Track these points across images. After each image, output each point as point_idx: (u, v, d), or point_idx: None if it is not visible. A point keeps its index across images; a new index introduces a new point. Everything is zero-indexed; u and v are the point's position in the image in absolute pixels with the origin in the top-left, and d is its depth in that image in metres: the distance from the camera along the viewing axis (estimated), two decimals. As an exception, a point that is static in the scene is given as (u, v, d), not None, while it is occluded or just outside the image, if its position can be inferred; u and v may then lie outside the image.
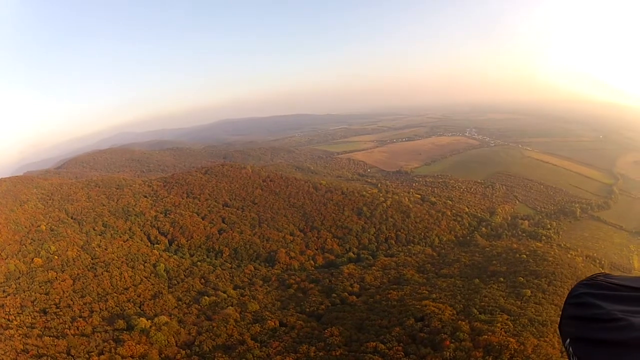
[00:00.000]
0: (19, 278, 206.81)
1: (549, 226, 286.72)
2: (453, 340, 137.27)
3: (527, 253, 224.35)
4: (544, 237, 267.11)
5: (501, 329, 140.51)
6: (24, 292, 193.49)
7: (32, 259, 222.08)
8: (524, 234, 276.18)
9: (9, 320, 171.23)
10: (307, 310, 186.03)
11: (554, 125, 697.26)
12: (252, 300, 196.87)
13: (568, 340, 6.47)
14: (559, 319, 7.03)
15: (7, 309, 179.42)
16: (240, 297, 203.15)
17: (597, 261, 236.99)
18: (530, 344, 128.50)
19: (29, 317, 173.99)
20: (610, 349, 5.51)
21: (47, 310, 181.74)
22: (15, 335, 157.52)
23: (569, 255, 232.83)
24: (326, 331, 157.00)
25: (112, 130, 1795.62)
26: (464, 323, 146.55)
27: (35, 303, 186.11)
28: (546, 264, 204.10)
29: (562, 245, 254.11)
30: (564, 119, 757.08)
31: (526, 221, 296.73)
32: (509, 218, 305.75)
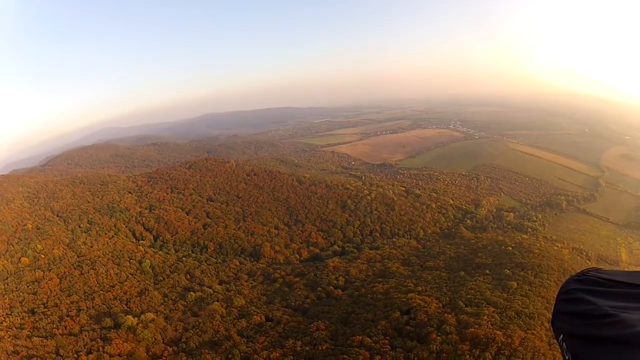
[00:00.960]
0: (7, 278, 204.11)
1: (535, 218, 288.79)
2: (439, 334, 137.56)
3: (513, 245, 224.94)
4: (529, 229, 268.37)
5: (488, 322, 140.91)
6: (12, 293, 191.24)
7: (20, 258, 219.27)
8: (509, 226, 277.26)
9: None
10: (293, 304, 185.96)
11: (539, 118, 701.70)
12: (237, 295, 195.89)
13: (561, 336, 6.38)
14: (549, 313, 6.79)
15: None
16: (226, 292, 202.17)
17: (584, 253, 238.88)
18: (518, 337, 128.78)
19: (18, 318, 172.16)
20: (604, 346, 5.50)
21: (35, 310, 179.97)
22: (5, 337, 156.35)
23: (555, 248, 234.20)
24: (312, 325, 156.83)
25: (96, 126, 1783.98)
26: (450, 316, 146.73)
27: (23, 303, 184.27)
28: (532, 256, 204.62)
29: (548, 237, 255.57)
30: (550, 112, 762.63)
31: (511, 213, 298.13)
32: (494, 210, 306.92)
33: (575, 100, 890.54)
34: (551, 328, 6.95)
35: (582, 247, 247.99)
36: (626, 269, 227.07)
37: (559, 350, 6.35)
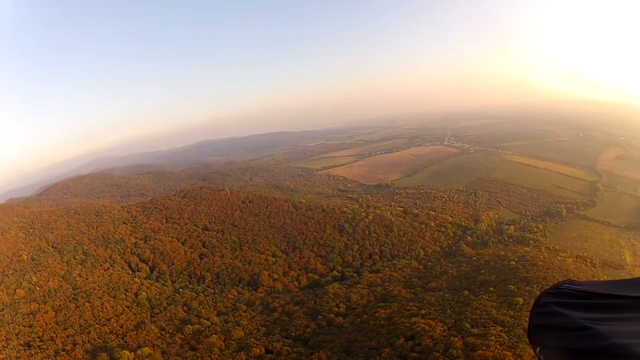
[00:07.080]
0: (2, 310, 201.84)
1: (536, 229, 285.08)
2: (446, 358, 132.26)
3: (516, 259, 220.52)
4: (531, 241, 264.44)
5: (496, 342, 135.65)
6: (8, 325, 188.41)
7: (15, 290, 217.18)
8: (510, 240, 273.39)
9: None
10: (293, 334, 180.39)
11: (532, 127, 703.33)
12: (236, 326, 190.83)
13: (538, 348, 6.73)
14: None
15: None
16: (224, 324, 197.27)
17: (588, 260, 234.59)
18: (528, 356, 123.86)
19: (14, 351, 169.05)
20: (580, 358, 5.76)
21: (31, 343, 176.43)
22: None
23: (559, 258, 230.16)
24: (313, 356, 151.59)
25: (93, 154, 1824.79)
26: (456, 339, 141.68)
27: (19, 336, 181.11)
28: (536, 269, 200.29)
29: (551, 247, 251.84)
30: (543, 120, 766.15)
31: (512, 226, 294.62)
32: (494, 224, 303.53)
33: (566, 105, 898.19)
34: (528, 341, 7.13)
35: (585, 254, 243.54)
36: (631, 272, 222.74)
37: None
